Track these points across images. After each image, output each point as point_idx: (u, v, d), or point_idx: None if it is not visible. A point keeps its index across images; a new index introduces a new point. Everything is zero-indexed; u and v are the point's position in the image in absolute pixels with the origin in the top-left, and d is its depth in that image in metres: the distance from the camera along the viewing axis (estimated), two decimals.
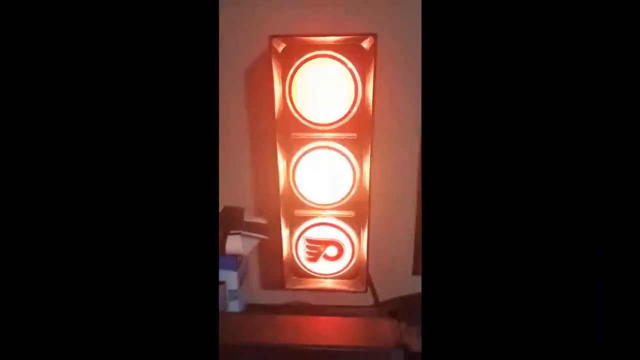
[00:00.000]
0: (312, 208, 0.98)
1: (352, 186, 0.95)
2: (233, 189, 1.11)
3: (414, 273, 1.15)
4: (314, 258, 1.02)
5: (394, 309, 1.11)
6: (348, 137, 0.92)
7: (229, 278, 1.08)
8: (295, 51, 0.86)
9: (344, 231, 0.99)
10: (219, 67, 0.84)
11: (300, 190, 0.96)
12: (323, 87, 0.87)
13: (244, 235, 1.06)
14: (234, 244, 1.04)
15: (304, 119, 0.90)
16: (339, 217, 1.00)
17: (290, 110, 0.90)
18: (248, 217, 1.12)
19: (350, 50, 0.85)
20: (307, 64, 0.86)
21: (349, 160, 0.92)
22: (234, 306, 1.10)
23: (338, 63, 0.86)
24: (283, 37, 0.85)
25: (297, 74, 0.86)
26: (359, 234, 1.00)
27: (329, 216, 1.00)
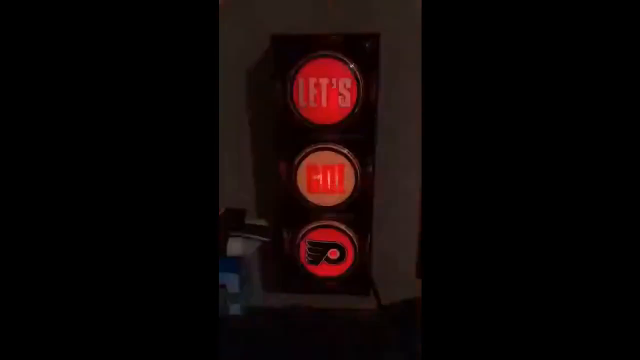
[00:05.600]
0: (315, 210, 0.98)
1: (355, 188, 0.94)
2: (234, 190, 1.11)
3: (417, 276, 1.14)
4: (315, 261, 1.01)
5: (396, 313, 1.10)
6: (351, 137, 0.91)
7: (230, 281, 1.07)
8: (298, 51, 0.85)
9: (346, 233, 0.99)
10: (220, 67, 0.85)
11: (302, 192, 0.95)
12: (325, 87, 0.86)
13: (245, 238, 1.05)
14: (235, 246, 1.03)
15: (306, 119, 0.89)
16: (341, 220, 0.99)
17: (292, 111, 0.89)
18: (249, 219, 1.11)
19: (353, 50, 0.84)
20: (309, 63, 0.85)
21: (351, 162, 0.92)
22: (235, 309, 1.09)
23: (341, 63, 0.85)
24: (285, 37, 0.85)
25: (299, 74, 0.86)
26: (361, 237, 0.99)
27: (331, 218, 0.99)
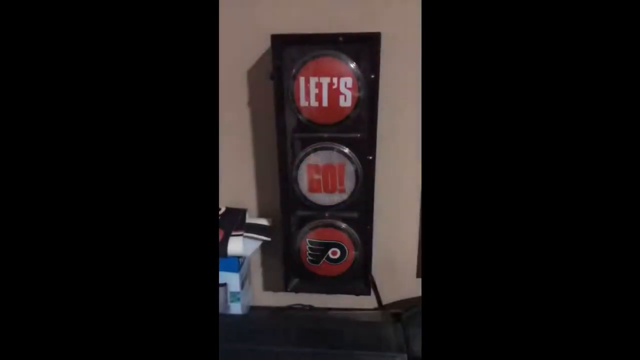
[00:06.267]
0: (315, 209, 0.97)
1: (356, 187, 0.94)
2: (235, 190, 1.11)
3: (418, 276, 1.14)
4: (316, 260, 1.01)
5: (397, 312, 1.10)
6: (351, 137, 0.91)
7: (231, 280, 1.07)
8: (298, 50, 0.85)
9: (347, 233, 0.98)
10: (221, 67, 0.85)
11: (303, 191, 0.95)
12: (326, 86, 0.86)
13: (246, 237, 1.05)
14: (236, 245, 1.03)
15: (307, 118, 0.89)
16: (342, 219, 0.99)
17: (293, 110, 0.89)
18: (250, 219, 1.11)
19: (353, 49, 0.84)
20: (309, 62, 0.85)
21: (353, 161, 0.92)
22: (236, 308, 1.09)
23: (341, 62, 0.85)
24: (285, 36, 0.85)
25: (300, 73, 0.86)
26: (362, 236, 0.99)
27: (332, 218, 0.99)
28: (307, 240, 1.00)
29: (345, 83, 0.86)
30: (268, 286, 1.21)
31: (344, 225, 0.99)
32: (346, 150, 0.91)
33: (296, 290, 1.05)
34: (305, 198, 0.96)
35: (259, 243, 1.08)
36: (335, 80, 0.86)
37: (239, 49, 0.97)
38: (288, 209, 0.99)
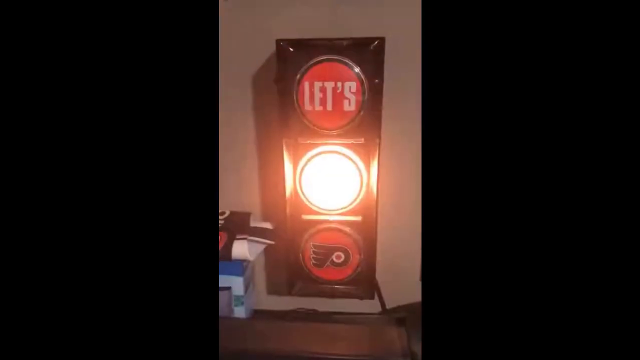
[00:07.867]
0: (319, 213, 0.98)
1: (359, 191, 0.94)
2: (239, 193, 1.11)
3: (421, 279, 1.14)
4: (320, 264, 1.01)
5: (401, 316, 1.10)
6: (355, 142, 0.91)
7: (235, 283, 1.07)
8: (303, 55, 0.86)
9: (351, 237, 0.98)
10: (226, 71, 0.86)
11: (307, 195, 0.95)
12: (330, 91, 0.87)
13: (250, 241, 1.05)
14: (240, 249, 1.03)
15: (310, 123, 0.89)
16: (346, 223, 0.99)
17: (297, 115, 0.89)
18: (254, 222, 1.11)
19: (358, 53, 0.84)
20: (314, 68, 0.86)
21: (356, 165, 0.92)
22: (239, 312, 1.09)
23: (345, 67, 0.85)
24: (290, 41, 0.85)
25: (304, 77, 0.86)
26: (366, 240, 0.99)
27: (336, 221, 0.99)
28: (311, 244, 1.00)
29: (350, 87, 0.86)
30: (272, 290, 1.21)
31: (348, 229, 0.99)
32: (350, 154, 0.92)
33: (300, 294, 1.05)
34: (309, 202, 0.96)
35: (263, 247, 1.08)
36: (339, 84, 0.86)
37: (243, 53, 0.98)
38: (292, 213, 0.99)
